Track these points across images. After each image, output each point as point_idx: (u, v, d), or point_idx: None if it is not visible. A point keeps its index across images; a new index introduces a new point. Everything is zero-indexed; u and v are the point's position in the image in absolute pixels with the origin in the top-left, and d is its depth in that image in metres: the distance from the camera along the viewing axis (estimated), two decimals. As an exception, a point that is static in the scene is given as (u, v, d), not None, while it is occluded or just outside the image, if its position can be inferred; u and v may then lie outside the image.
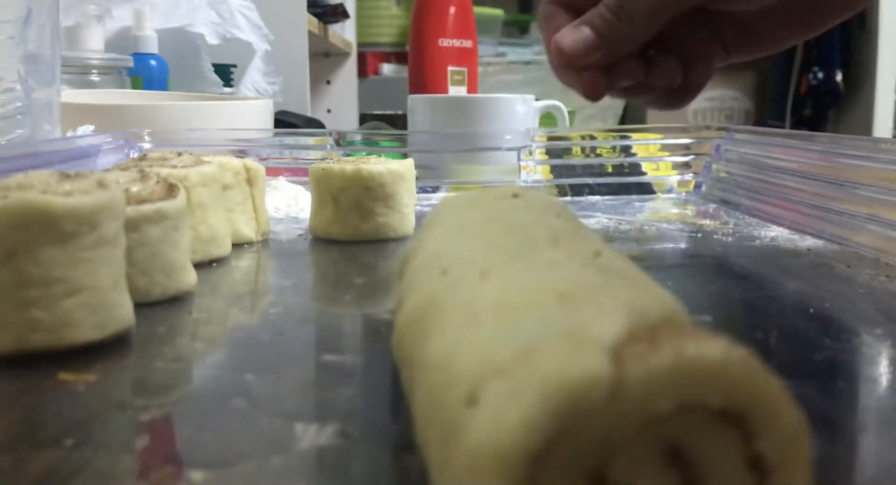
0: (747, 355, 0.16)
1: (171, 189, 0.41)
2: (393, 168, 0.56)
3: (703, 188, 0.80)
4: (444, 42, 1.17)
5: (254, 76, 1.36)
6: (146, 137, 0.75)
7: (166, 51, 1.24)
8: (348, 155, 0.68)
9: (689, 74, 0.48)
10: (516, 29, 2.98)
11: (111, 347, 0.34)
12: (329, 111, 2.18)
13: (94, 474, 0.23)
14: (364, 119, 1.64)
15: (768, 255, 0.55)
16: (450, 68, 1.17)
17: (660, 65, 0.47)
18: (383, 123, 1.24)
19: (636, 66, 0.46)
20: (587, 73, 0.45)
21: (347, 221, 0.56)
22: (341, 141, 0.80)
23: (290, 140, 0.83)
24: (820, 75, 2.70)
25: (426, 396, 0.19)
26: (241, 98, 1.25)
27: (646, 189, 0.82)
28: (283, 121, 1.22)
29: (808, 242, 0.57)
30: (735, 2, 0.45)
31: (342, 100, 2.22)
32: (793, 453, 0.16)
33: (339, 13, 1.85)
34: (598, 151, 0.83)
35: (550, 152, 0.82)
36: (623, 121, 2.80)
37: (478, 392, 0.16)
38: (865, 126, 2.58)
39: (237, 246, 0.54)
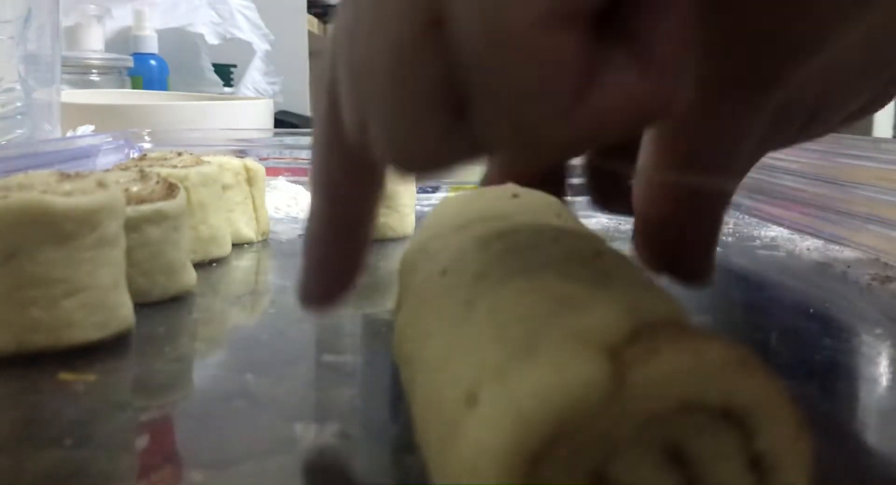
0: (747, 355, 0.16)
1: (171, 189, 0.41)
2: (393, 168, 0.56)
3: (703, 188, 0.80)
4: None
5: (254, 76, 1.36)
6: (146, 137, 0.75)
7: (166, 51, 1.24)
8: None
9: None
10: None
11: (111, 348, 0.34)
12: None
13: (94, 474, 0.23)
14: (364, 119, 1.63)
15: (768, 255, 0.55)
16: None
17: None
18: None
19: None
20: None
21: (347, 221, 0.56)
22: (341, 141, 0.80)
23: (290, 140, 0.83)
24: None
25: (425, 396, 0.19)
26: (241, 98, 1.25)
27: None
28: (283, 121, 1.22)
29: (808, 242, 0.57)
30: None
31: (342, 100, 2.21)
32: (793, 452, 0.16)
33: (340, 13, 1.84)
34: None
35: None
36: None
37: (477, 392, 0.16)
38: (865, 126, 2.58)
39: (237, 246, 0.54)
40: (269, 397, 0.29)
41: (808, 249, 0.55)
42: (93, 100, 0.96)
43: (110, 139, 0.71)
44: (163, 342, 0.35)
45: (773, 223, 0.64)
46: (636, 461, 0.15)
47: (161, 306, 0.40)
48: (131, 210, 0.37)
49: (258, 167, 0.57)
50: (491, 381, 0.16)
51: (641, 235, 0.27)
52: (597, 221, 0.67)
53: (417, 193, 0.61)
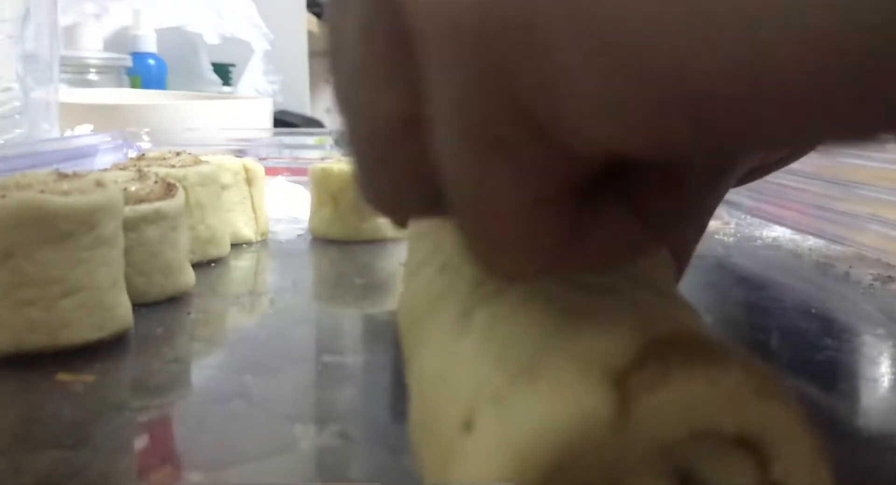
0: (763, 379, 0.15)
1: (169, 189, 0.41)
2: (392, 168, 0.56)
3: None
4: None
5: (253, 75, 1.36)
6: (145, 137, 0.75)
7: (165, 50, 1.24)
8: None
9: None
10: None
11: (109, 348, 0.34)
12: (329, 111, 2.18)
13: (93, 475, 0.23)
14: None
15: (770, 255, 0.55)
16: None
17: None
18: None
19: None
20: None
21: (347, 221, 0.56)
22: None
23: (289, 140, 0.82)
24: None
25: (421, 412, 0.18)
26: (240, 97, 1.25)
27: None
28: (283, 120, 1.22)
29: (810, 242, 0.57)
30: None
31: (341, 99, 2.22)
32: (810, 479, 0.15)
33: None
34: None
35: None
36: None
37: (474, 418, 0.15)
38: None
39: (236, 246, 0.53)
40: (269, 397, 0.29)
41: (810, 249, 0.55)
42: (91, 99, 0.96)
43: (108, 139, 0.71)
44: (161, 343, 0.35)
45: (775, 223, 0.64)
46: None
47: (159, 307, 0.40)
48: (129, 210, 0.37)
49: (257, 167, 0.56)
50: (489, 406, 0.15)
51: None
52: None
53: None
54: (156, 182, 0.41)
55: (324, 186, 0.56)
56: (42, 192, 0.32)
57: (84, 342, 0.33)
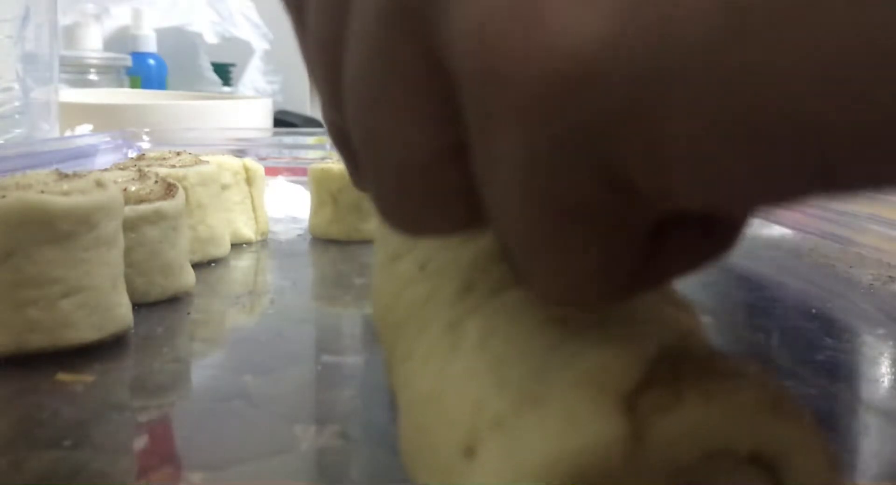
0: (778, 396, 0.14)
1: (169, 189, 0.41)
2: (392, 168, 0.56)
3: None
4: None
5: (253, 75, 1.36)
6: (144, 137, 0.75)
7: (165, 50, 1.23)
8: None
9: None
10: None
11: (109, 348, 0.34)
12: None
13: (93, 475, 0.23)
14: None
15: (770, 255, 0.54)
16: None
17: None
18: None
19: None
20: None
21: (347, 221, 0.56)
22: (340, 140, 0.79)
23: (289, 140, 0.82)
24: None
25: (414, 432, 0.17)
26: (240, 97, 1.25)
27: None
28: (283, 120, 1.21)
29: (811, 241, 0.57)
30: None
31: (341, 99, 2.21)
32: None
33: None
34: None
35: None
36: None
37: (475, 444, 0.15)
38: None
39: (236, 246, 0.53)
40: (269, 397, 0.29)
41: (811, 249, 0.55)
42: (91, 99, 0.96)
43: (108, 139, 0.71)
44: (161, 343, 0.35)
45: (776, 223, 0.64)
46: None
47: (159, 307, 0.40)
48: (129, 210, 0.37)
49: (257, 167, 0.56)
50: (492, 431, 0.14)
51: None
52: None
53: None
54: (156, 182, 0.41)
55: (323, 186, 0.56)
56: (42, 192, 0.32)
57: (84, 342, 0.33)
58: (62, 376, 0.30)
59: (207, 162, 0.50)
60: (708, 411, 0.13)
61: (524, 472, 0.13)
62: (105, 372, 0.31)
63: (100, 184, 0.34)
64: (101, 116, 0.83)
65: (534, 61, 0.10)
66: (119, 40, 1.21)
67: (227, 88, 1.32)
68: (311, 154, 0.79)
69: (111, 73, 1.12)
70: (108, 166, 0.49)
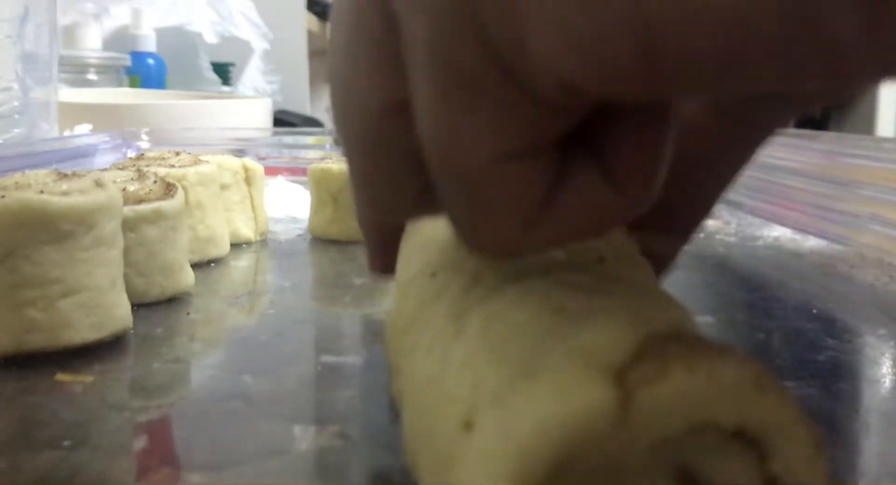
0: (761, 372, 0.15)
1: (168, 189, 0.41)
2: (392, 167, 0.56)
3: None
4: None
5: (253, 75, 1.36)
6: (144, 137, 0.75)
7: (164, 49, 1.23)
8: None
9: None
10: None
11: (109, 348, 0.33)
12: (329, 111, 2.17)
13: (92, 476, 0.23)
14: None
15: (771, 255, 0.54)
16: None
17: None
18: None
19: None
20: None
21: (347, 221, 0.56)
22: (340, 140, 0.79)
23: (289, 139, 0.82)
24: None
25: (417, 415, 0.18)
26: (239, 97, 1.25)
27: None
28: (282, 120, 1.21)
29: (812, 242, 0.57)
30: None
31: (341, 99, 2.21)
32: (809, 473, 0.15)
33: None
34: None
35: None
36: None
37: (473, 418, 0.15)
38: (868, 126, 2.58)
39: (235, 246, 0.53)
40: (268, 398, 0.29)
41: (811, 250, 0.55)
42: (90, 99, 0.96)
43: (108, 138, 0.71)
44: (160, 343, 0.35)
45: (777, 223, 0.64)
46: (647, 484, 0.15)
47: (159, 307, 0.40)
48: (129, 210, 0.37)
49: (257, 167, 0.56)
50: (489, 406, 0.15)
51: None
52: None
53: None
54: (155, 182, 0.41)
55: (323, 186, 0.56)
56: (41, 192, 0.32)
57: (83, 343, 0.33)
58: (61, 377, 0.30)
59: (207, 162, 0.50)
60: (692, 383, 0.14)
61: (517, 439, 0.14)
62: (104, 372, 0.31)
63: (99, 184, 0.34)
64: (101, 116, 0.83)
65: None
66: (118, 40, 1.21)
67: (226, 88, 1.32)
68: (311, 154, 0.79)
69: (110, 73, 1.12)
70: (107, 166, 0.49)
